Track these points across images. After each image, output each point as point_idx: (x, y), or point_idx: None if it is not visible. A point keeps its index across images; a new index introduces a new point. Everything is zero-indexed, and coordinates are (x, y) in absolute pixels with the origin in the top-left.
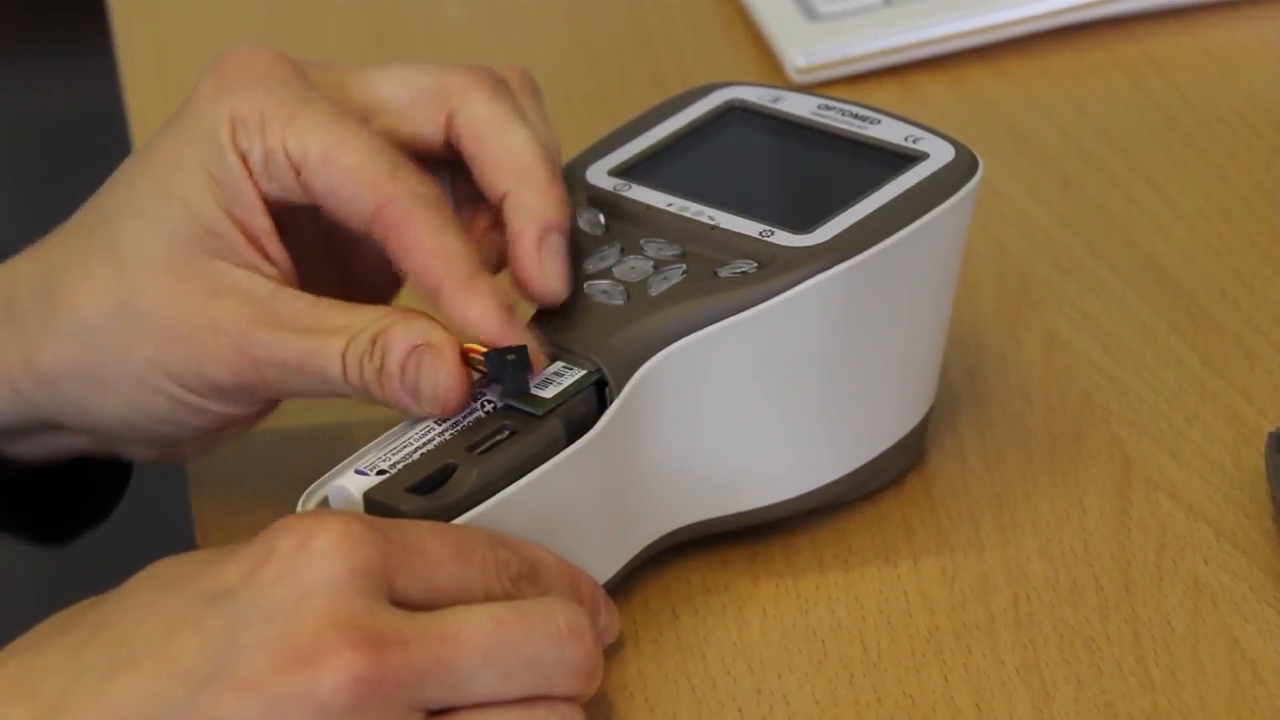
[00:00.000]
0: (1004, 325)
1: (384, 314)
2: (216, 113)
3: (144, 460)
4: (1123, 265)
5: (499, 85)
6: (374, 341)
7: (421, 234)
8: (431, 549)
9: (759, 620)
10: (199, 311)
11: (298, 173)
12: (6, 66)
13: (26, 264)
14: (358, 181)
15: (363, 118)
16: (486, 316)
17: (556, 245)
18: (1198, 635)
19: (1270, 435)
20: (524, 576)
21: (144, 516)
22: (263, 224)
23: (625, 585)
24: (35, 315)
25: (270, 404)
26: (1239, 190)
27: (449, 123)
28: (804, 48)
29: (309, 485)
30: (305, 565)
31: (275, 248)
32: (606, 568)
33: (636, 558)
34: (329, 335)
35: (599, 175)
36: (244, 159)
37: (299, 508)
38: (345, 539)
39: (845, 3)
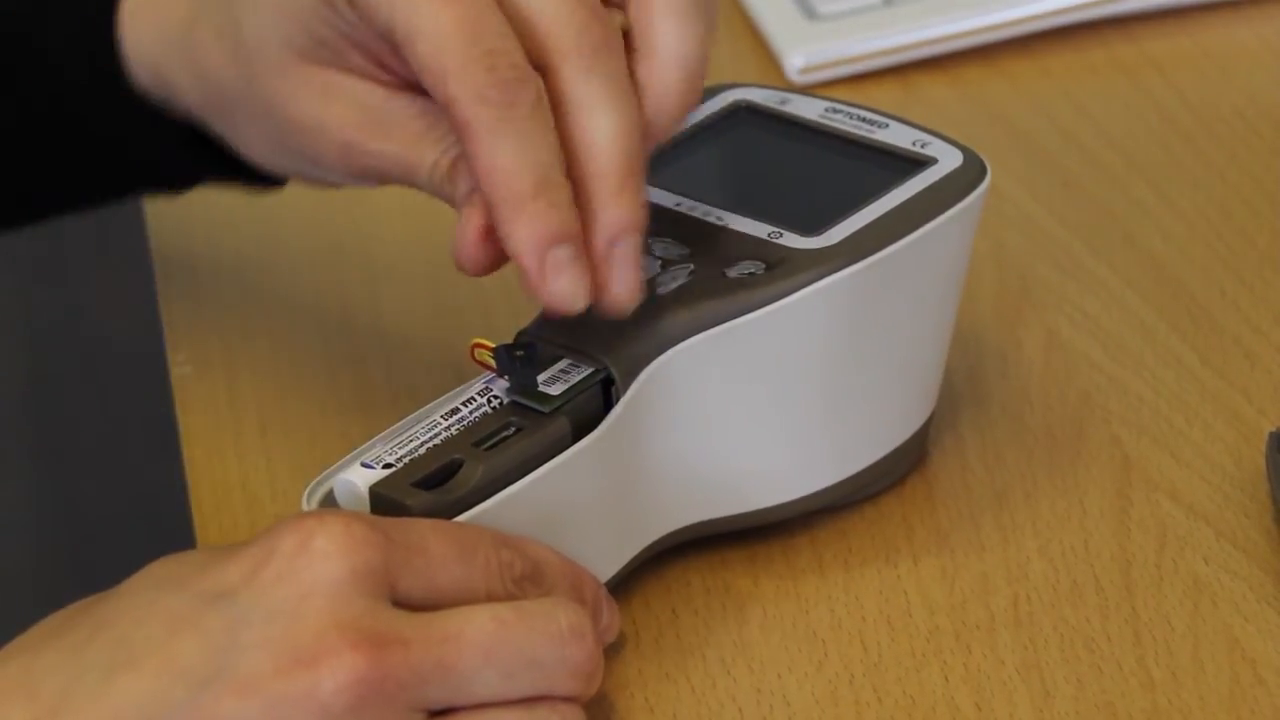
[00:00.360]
0: (1004, 325)
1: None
2: None
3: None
4: (1123, 265)
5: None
6: (453, 166)
7: (475, 149)
8: (434, 549)
9: (759, 620)
10: (310, 112)
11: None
12: None
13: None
14: (427, 76)
15: None
16: (522, 247)
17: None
18: (1198, 635)
19: (1271, 435)
20: (526, 577)
21: (144, 516)
22: (379, 45)
23: (625, 585)
24: (181, 52)
25: None
26: (1239, 190)
27: None
28: (804, 48)
29: (310, 484)
30: (306, 565)
31: (395, 60)
32: (609, 566)
33: (639, 556)
34: (425, 148)
35: None
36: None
37: (303, 500)
38: (347, 539)
39: (845, 3)
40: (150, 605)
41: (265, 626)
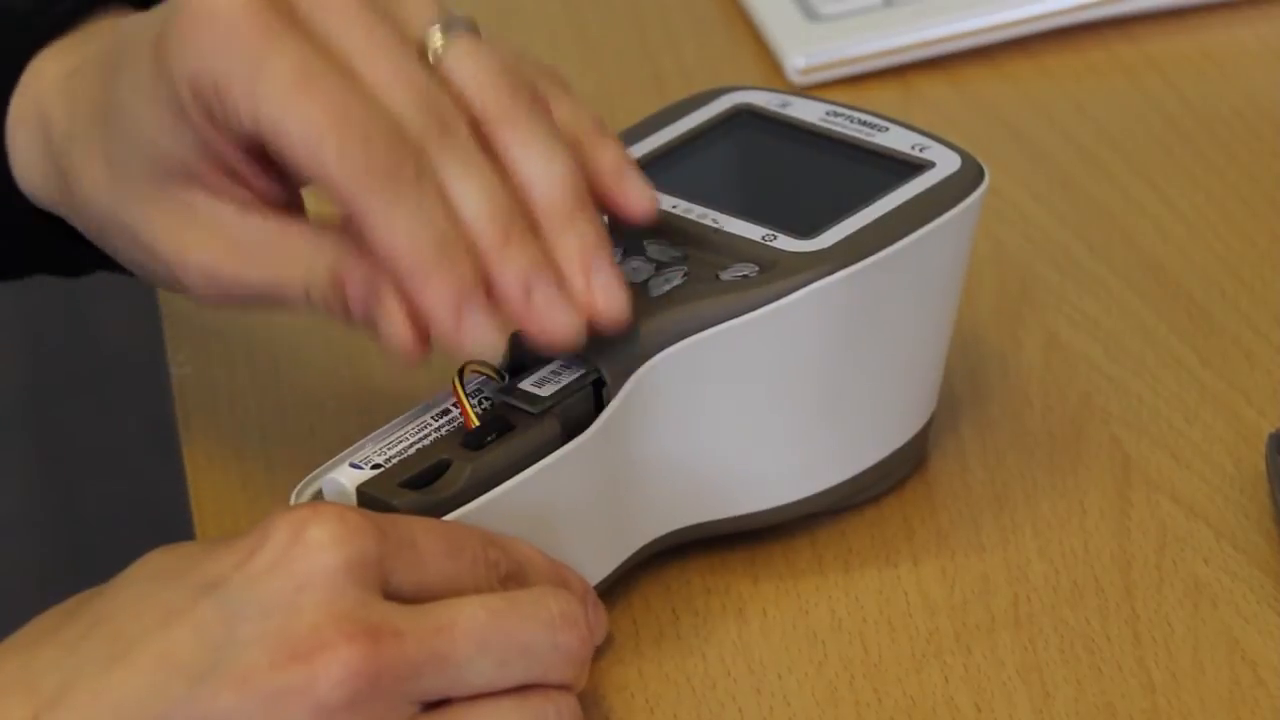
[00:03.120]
0: (1004, 326)
1: (339, 244)
2: (179, 70)
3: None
4: (1123, 265)
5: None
6: (334, 277)
7: (374, 226)
8: (424, 545)
9: (759, 621)
10: (170, 241)
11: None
12: None
13: (60, 102)
14: (307, 167)
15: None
16: (438, 309)
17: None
18: (1198, 636)
19: (1271, 436)
20: (512, 576)
21: (144, 516)
22: (236, 156)
23: (625, 585)
24: (67, 156)
25: None
26: (1239, 190)
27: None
28: (804, 48)
29: (298, 484)
30: (301, 556)
31: (252, 172)
32: (601, 568)
33: (631, 558)
34: (293, 269)
35: None
36: (209, 117)
37: (292, 500)
38: (342, 529)
39: (845, 3)
40: (145, 598)
41: (261, 620)
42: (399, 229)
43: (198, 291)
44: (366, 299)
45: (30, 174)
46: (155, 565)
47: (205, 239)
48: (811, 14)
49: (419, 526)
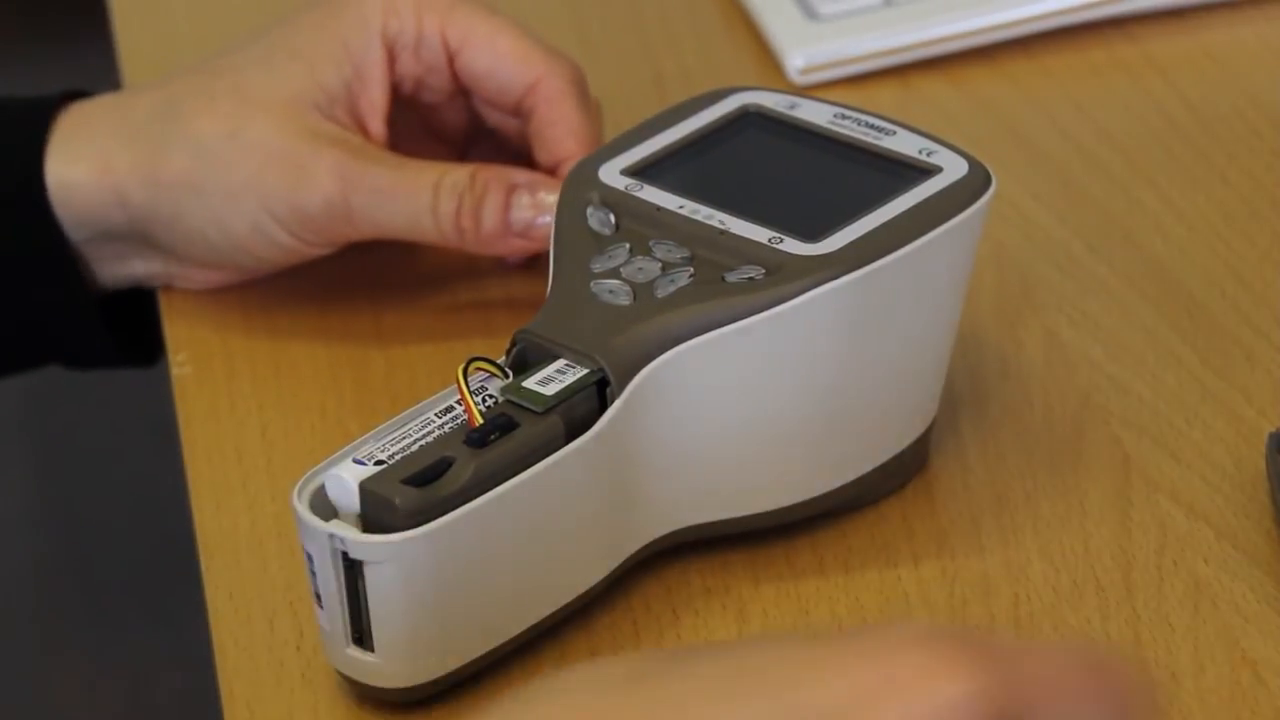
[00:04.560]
0: (1004, 326)
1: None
2: None
3: (193, 285)
4: (1123, 265)
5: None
6: (473, 177)
7: (570, 109)
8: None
9: (760, 622)
10: (302, 141)
11: (452, 57)
12: (6, 65)
13: (145, 94)
14: (518, 60)
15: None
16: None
17: None
18: (1198, 636)
19: (1271, 436)
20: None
21: (144, 516)
22: (377, 99)
23: (625, 585)
24: (153, 132)
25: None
26: (1239, 190)
27: (534, 84)
28: (804, 48)
29: (301, 479)
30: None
31: (377, 124)
32: (602, 567)
33: (632, 558)
34: (422, 172)
35: (611, 174)
36: (388, 40)
37: (294, 494)
38: (979, 677)
39: (845, 3)
40: (735, 699)
41: None
42: (587, 118)
43: (310, 201)
44: (515, 191)
45: (94, 163)
46: (744, 657)
47: (336, 143)
48: (811, 13)
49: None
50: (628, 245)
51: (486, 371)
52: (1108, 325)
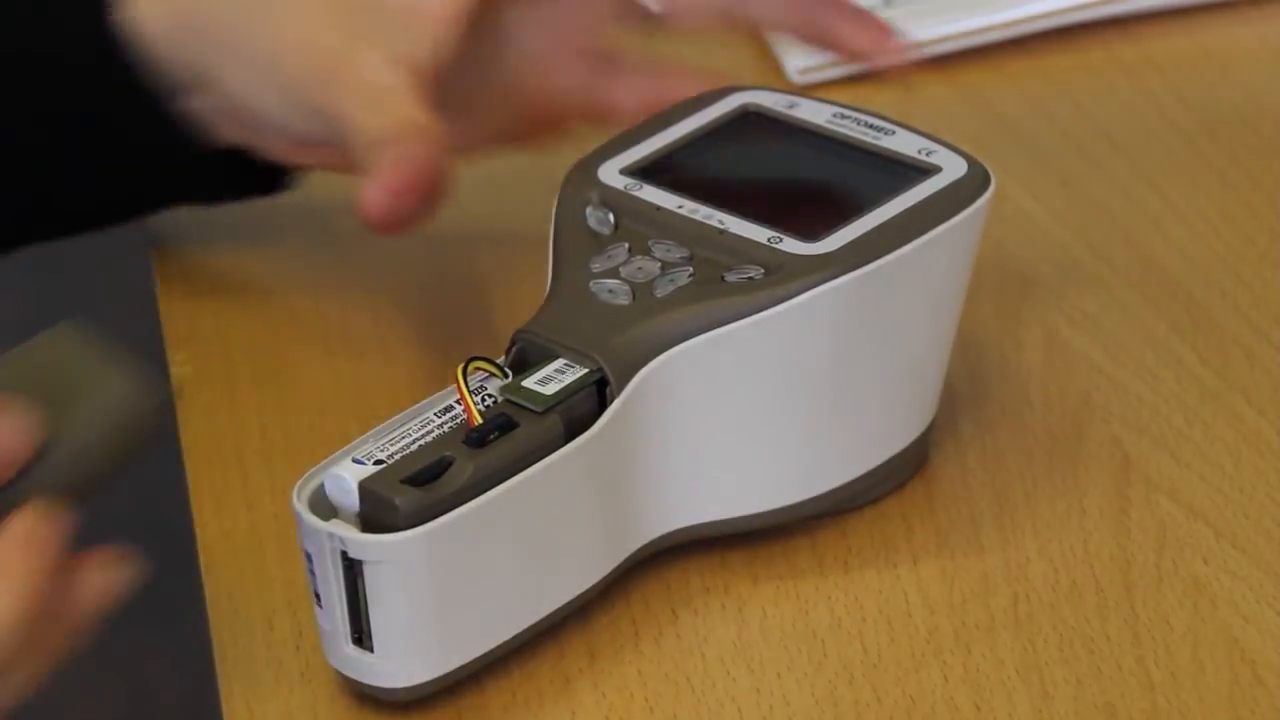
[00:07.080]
0: (1004, 325)
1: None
2: None
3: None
4: (1123, 265)
5: None
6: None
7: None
8: None
9: (759, 621)
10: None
11: None
12: None
13: None
14: None
15: None
16: None
17: None
18: (1197, 635)
19: None
20: None
21: (144, 516)
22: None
23: (625, 585)
24: None
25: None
26: (1239, 190)
27: None
28: (804, 48)
29: (301, 479)
30: None
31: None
32: (601, 567)
33: (632, 557)
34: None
35: (610, 174)
36: None
37: (294, 494)
38: None
39: None
40: None
41: None
42: None
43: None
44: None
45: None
46: None
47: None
48: None
49: None
50: (627, 245)
51: (486, 371)
52: (1108, 325)
